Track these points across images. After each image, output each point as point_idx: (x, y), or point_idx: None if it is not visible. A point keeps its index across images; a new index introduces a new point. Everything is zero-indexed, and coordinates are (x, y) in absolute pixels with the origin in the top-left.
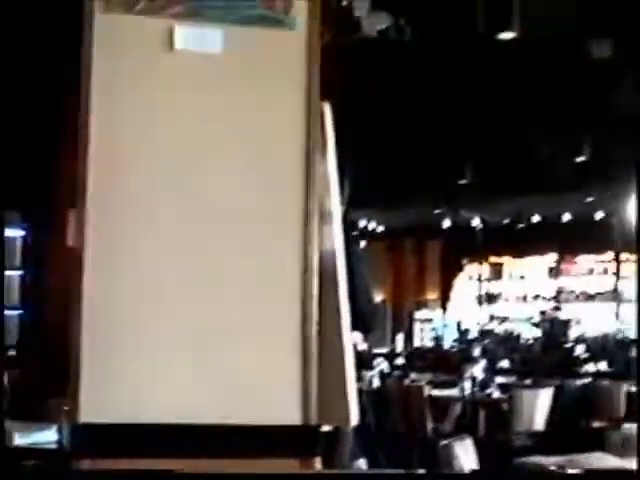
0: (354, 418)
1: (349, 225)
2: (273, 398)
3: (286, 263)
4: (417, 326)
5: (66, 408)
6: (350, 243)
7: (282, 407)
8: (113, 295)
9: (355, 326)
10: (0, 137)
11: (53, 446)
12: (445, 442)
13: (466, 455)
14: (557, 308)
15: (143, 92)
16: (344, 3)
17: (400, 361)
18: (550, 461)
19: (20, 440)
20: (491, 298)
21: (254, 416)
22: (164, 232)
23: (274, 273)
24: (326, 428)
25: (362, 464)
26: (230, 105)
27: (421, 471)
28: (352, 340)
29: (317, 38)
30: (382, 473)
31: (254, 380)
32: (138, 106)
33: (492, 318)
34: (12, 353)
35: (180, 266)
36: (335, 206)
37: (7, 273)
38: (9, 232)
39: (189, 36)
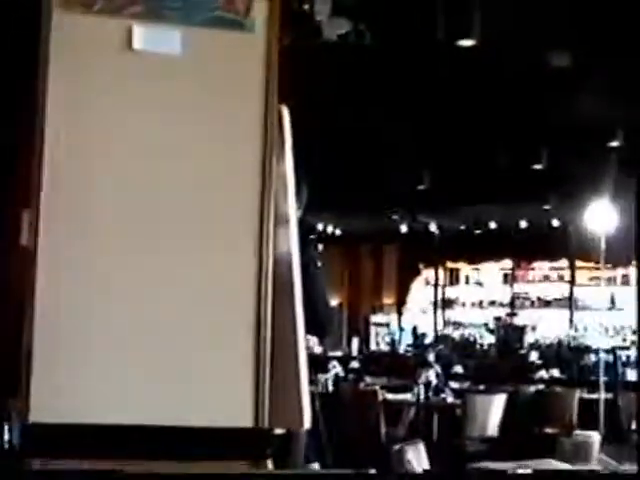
0: (307, 421)
1: (306, 229)
2: (225, 400)
3: (240, 265)
4: (373, 330)
5: (16, 407)
6: (306, 246)
7: (234, 410)
8: (65, 295)
9: (310, 329)
10: None
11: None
12: (398, 446)
13: (418, 460)
14: (512, 314)
15: (100, 92)
16: (305, 7)
17: (355, 365)
18: (500, 467)
19: None
20: (447, 303)
21: (206, 418)
22: (117, 232)
23: (228, 275)
24: (278, 431)
25: (315, 467)
26: (187, 107)
27: (372, 471)
28: (307, 343)
29: (276, 41)
30: (331, 473)
31: (206, 382)
32: (95, 106)
33: (448, 323)
34: None
35: (132, 266)
36: (292, 209)
37: None
38: None
39: (148, 37)
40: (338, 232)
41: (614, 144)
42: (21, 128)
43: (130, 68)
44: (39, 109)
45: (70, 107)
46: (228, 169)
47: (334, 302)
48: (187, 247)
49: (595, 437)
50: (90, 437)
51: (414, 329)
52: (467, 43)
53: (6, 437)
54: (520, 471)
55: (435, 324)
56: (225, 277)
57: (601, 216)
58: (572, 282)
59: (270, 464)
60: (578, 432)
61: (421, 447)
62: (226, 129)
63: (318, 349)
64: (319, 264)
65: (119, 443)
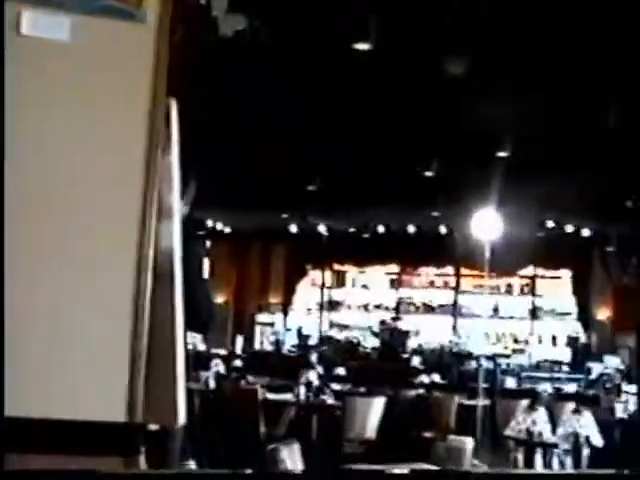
0: (181, 417)
1: (193, 224)
2: (98, 394)
3: (120, 257)
4: (258, 329)
5: None
6: (192, 242)
7: (107, 404)
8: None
9: (192, 326)
10: None
11: None
12: (272, 446)
13: (292, 460)
14: (397, 318)
15: None
16: (202, 2)
17: (238, 363)
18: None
19: None
20: (333, 305)
21: (78, 412)
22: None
23: (107, 265)
24: (152, 427)
25: (190, 464)
26: (74, 95)
27: (248, 471)
28: (189, 340)
29: (167, 34)
30: (201, 473)
31: (81, 376)
32: None
33: (333, 325)
34: None
35: (16, 253)
36: (176, 203)
37: None
38: None
39: (37, 22)
40: (227, 229)
41: (502, 154)
42: None
43: (17, 52)
44: None
45: None
46: (112, 160)
47: (220, 299)
48: (69, 236)
49: (469, 442)
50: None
51: (299, 330)
52: (363, 47)
53: None
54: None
55: (320, 325)
56: (104, 268)
57: (487, 224)
58: (457, 289)
59: (143, 460)
60: (452, 437)
61: (296, 447)
62: (112, 119)
63: (201, 346)
64: (204, 260)
65: None
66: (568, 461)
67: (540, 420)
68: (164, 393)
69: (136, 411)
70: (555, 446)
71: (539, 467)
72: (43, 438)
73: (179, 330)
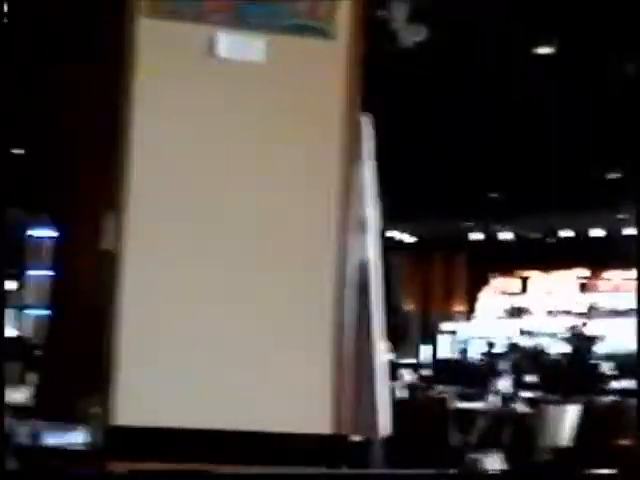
0: (385, 429)
1: (383, 236)
2: (304, 407)
3: (319, 273)
4: (443, 338)
5: (96, 409)
6: (383, 254)
7: (312, 416)
8: (148, 298)
9: (387, 336)
10: (25, 140)
11: (83, 447)
12: (473, 455)
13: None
14: (584, 324)
15: (184, 98)
16: (382, 14)
17: (425, 372)
18: None
19: (50, 440)
20: (518, 312)
21: (283, 424)
22: (199, 240)
23: (307, 282)
24: (355, 438)
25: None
26: (268, 114)
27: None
28: (383, 350)
29: (357, 48)
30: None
31: (286, 389)
32: (178, 110)
33: (518, 332)
34: (39, 353)
35: (213, 274)
36: (371, 217)
37: (38, 273)
38: (39, 232)
39: (232, 44)
40: (410, 239)
41: None
42: (99, 132)
43: (213, 74)
44: (124, 115)
45: (154, 111)
46: (307, 176)
47: (406, 308)
48: (265, 252)
49: None
50: (169, 440)
51: (484, 337)
52: (544, 51)
53: (88, 440)
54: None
55: (505, 333)
56: (303, 283)
57: None
58: None
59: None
60: None
61: (496, 457)
62: (306, 137)
63: (390, 356)
64: (395, 271)
65: (195, 448)
66: None
67: None
68: (367, 404)
69: (341, 423)
70: None
71: None
72: (250, 450)
73: (378, 341)
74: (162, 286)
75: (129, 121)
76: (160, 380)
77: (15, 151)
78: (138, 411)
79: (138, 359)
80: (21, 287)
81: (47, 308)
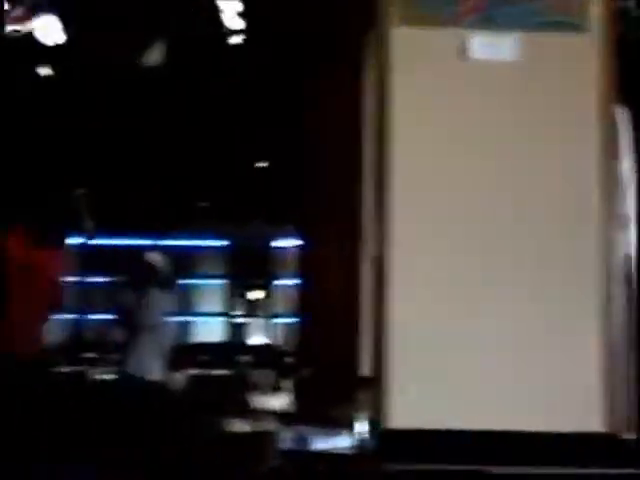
0: None
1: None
2: (575, 405)
3: (585, 268)
4: None
5: (362, 413)
6: None
7: (583, 414)
8: (415, 300)
9: None
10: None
11: (351, 451)
12: None
13: None
14: None
15: (440, 100)
16: (621, 3)
17: None
18: None
19: (317, 445)
20: None
21: (555, 423)
22: (466, 239)
23: (576, 275)
24: (628, 436)
25: None
26: (525, 112)
27: None
28: None
29: (611, 39)
30: None
31: (557, 387)
32: (436, 115)
33: None
34: (289, 360)
35: (482, 267)
36: (631, 210)
37: (284, 282)
38: (284, 243)
39: (483, 45)
40: None
41: None
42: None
43: (466, 75)
44: (383, 123)
45: (413, 116)
46: (565, 170)
47: None
48: (530, 249)
49: None
50: (444, 442)
51: None
52: None
53: (356, 443)
54: None
55: None
56: (573, 277)
57: None
58: None
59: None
60: None
61: None
62: (563, 133)
63: None
64: None
65: (469, 448)
66: None
67: None
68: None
69: (612, 421)
70: None
71: None
72: (524, 450)
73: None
74: (429, 287)
75: (387, 128)
76: (429, 382)
77: (259, 165)
78: (408, 413)
79: (407, 362)
80: (268, 296)
81: (296, 316)
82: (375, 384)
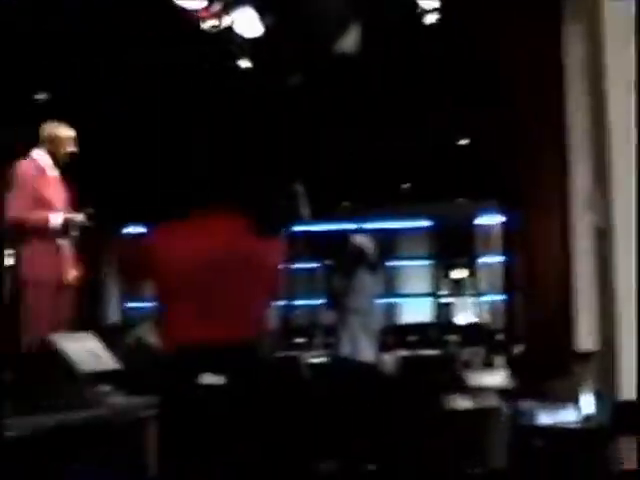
0: None
1: None
2: None
3: None
4: None
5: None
6: None
7: None
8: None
9: None
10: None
11: (577, 425)
12: None
13: None
14: None
15: None
16: None
17: None
18: None
19: (544, 420)
20: None
21: None
22: None
23: None
24: None
25: None
26: None
27: None
28: None
29: None
30: None
31: None
32: None
33: None
34: (500, 337)
35: None
36: None
37: (488, 260)
38: (487, 220)
39: None
40: None
41: None
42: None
43: None
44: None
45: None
46: None
47: None
48: None
49: None
50: None
51: None
52: None
53: (591, 413)
54: None
55: None
56: None
57: None
58: None
59: None
60: None
61: None
62: None
63: None
64: None
65: None
66: None
67: None
68: None
69: None
70: None
71: None
72: None
73: None
74: None
75: (603, 96)
76: None
77: (460, 143)
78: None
79: (634, 333)
80: (472, 275)
81: (502, 293)
82: (598, 357)
